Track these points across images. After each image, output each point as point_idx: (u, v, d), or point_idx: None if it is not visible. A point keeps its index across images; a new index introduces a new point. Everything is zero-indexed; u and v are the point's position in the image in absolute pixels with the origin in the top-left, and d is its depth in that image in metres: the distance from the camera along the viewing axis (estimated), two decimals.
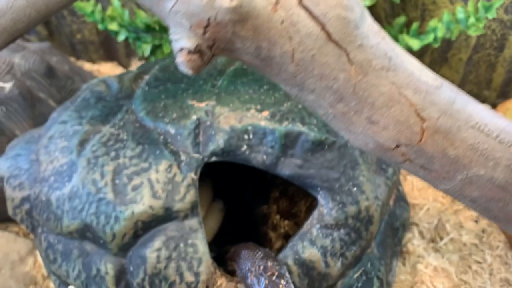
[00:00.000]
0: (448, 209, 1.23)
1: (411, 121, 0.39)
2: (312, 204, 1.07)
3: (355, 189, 0.84)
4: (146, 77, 1.04)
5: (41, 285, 1.15)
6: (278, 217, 1.09)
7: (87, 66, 1.81)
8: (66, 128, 0.93)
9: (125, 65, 1.83)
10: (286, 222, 1.08)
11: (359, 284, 0.89)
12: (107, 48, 1.84)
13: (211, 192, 1.30)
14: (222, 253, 0.94)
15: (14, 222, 1.25)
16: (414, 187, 1.28)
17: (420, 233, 1.17)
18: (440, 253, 1.13)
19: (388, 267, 0.96)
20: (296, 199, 1.11)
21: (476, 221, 1.23)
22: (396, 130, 0.39)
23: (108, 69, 1.80)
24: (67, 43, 1.84)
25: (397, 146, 0.40)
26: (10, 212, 0.95)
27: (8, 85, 1.32)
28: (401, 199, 1.05)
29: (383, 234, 0.96)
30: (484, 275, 1.10)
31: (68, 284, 0.93)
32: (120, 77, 1.06)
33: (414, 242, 1.14)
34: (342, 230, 0.84)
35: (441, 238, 1.16)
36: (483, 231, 1.21)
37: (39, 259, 1.16)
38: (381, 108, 0.38)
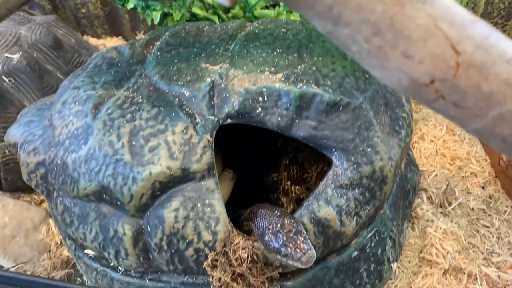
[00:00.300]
0: (456, 176, 1.24)
1: (447, 55, 0.39)
2: (323, 170, 1.08)
3: (369, 149, 0.85)
4: (157, 43, 1.04)
5: (54, 252, 1.16)
6: (289, 183, 1.10)
7: (92, 41, 1.80)
8: (79, 93, 0.93)
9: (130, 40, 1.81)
10: (297, 187, 1.09)
11: (372, 244, 0.90)
12: (112, 23, 1.83)
13: (221, 162, 1.31)
14: (236, 217, 0.95)
15: (26, 192, 1.26)
16: (421, 154, 1.29)
17: (429, 198, 1.18)
18: (449, 218, 1.14)
19: (399, 228, 0.97)
20: (307, 166, 1.12)
21: (483, 187, 1.24)
22: (432, 64, 0.39)
23: (113, 44, 1.79)
24: (71, 17, 1.83)
25: (432, 82, 0.41)
26: (24, 177, 0.96)
27: (15, 56, 1.31)
28: (411, 163, 1.06)
29: (395, 196, 0.97)
30: (492, 238, 1.12)
31: (84, 248, 0.94)
32: (131, 44, 1.05)
33: (423, 207, 1.15)
34: (356, 190, 0.84)
35: (450, 203, 1.17)
36: (490, 197, 1.22)
37: (52, 227, 1.17)
38: (417, 41, 0.38)
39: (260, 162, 1.29)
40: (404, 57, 0.39)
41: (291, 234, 0.75)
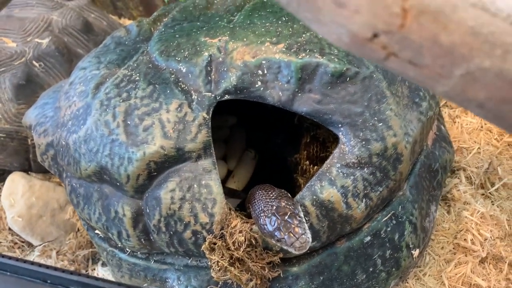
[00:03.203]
0: (503, 153, 1.10)
1: (389, 0, 0.31)
2: None
3: (380, 124, 0.76)
4: (165, 19, 1.01)
5: (81, 232, 1.19)
6: (307, 162, 1.03)
7: (129, 23, 1.82)
8: (86, 73, 0.92)
9: None
10: (315, 168, 1.01)
11: (388, 228, 0.82)
12: (147, 4, 1.83)
13: (244, 141, 1.27)
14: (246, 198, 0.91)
15: None
16: (463, 129, 1.16)
17: (468, 178, 1.06)
18: (490, 200, 1.02)
19: (423, 212, 0.87)
20: (328, 144, 1.04)
21: None
22: (371, 12, 0.32)
23: None
24: (108, 1, 1.85)
25: (375, 36, 0.33)
26: (39, 159, 0.98)
27: (44, 41, 1.34)
28: (443, 139, 0.95)
29: (418, 176, 0.87)
30: None
31: (94, 228, 0.95)
32: (139, 22, 1.03)
33: (461, 188, 1.04)
34: (365, 169, 0.76)
35: (492, 184, 1.04)
36: None
37: None
38: None
39: (282, 142, 1.23)
40: (337, 6, 0.32)
41: (286, 217, 0.70)
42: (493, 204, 1.01)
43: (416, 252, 0.85)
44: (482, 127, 1.17)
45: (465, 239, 0.97)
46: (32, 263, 0.52)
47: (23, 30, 1.37)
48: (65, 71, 1.35)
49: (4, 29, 1.38)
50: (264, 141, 1.24)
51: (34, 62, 1.31)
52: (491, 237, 0.96)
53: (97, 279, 0.51)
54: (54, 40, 1.35)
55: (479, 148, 1.11)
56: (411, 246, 0.84)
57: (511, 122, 0.36)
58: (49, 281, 0.53)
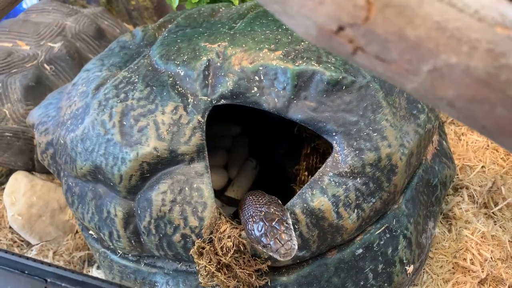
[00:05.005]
0: (509, 172, 1.07)
1: None
2: None
3: (375, 134, 0.75)
4: (170, 25, 1.02)
5: (80, 234, 1.19)
6: (306, 173, 1.02)
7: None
8: (88, 75, 0.94)
9: None
10: None
11: (381, 242, 0.80)
12: (161, 14, 1.86)
13: (246, 151, 1.26)
14: None
15: None
16: (469, 147, 1.13)
17: (471, 196, 1.03)
18: (493, 220, 0.99)
19: (419, 227, 0.85)
20: (327, 155, 1.03)
21: None
22: (334, 4, 0.32)
23: None
24: (123, 10, 1.89)
25: (341, 29, 0.33)
26: (39, 157, 0.99)
27: (56, 45, 1.37)
28: (443, 155, 0.93)
29: (415, 190, 0.85)
30: None
31: (89, 229, 0.95)
32: (145, 27, 1.05)
33: (463, 206, 1.01)
34: (358, 179, 0.75)
35: (496, 204, 1.01)
36: None
37: None
38: None
39: (285, 153, 1.22)
40: None
41: (273, 223, 0.69)
42: (495, 224, 0.98)
43: (410, 268, 0.83)
44: (488, 146, 1.14)
45: (464, 259, 0.94)
46: (9, 252, 0.52)
47: (37, 34, 1.41)
48: (75, 75, 1.37)
49: (19, 33, 1.42)
50: (267, 152, 1.23)
51: (45, 65, 1.34)
52: (491, 257, 0.93)
53: (72, 271, 0.50)
54: (66, 44, 1.38)
55: (483, 166, 1.09)
56: (405, 261, 0.82)
57: (483, 123, 0.35)
58: (26, 272, 0.53)
